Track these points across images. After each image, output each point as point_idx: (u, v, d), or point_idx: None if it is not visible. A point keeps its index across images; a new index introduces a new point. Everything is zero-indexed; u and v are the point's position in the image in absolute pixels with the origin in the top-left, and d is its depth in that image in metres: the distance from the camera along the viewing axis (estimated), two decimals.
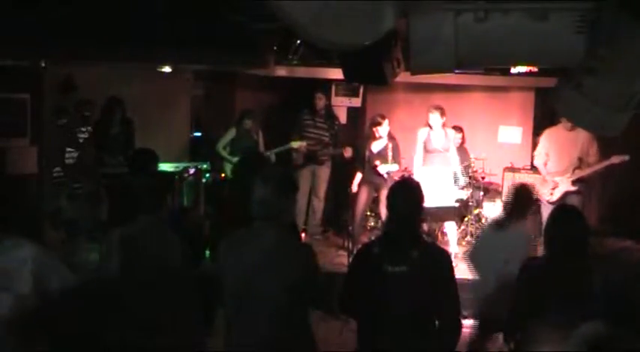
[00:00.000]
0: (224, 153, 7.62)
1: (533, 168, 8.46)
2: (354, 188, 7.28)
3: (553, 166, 6.92)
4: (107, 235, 3.51)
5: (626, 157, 6.60)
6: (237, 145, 7.62)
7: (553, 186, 6.85)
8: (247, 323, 2.92)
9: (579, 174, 6.78)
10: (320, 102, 7.89)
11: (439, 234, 7.72)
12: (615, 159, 6.64)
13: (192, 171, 6.87)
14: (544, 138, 7.05)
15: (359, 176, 7.32)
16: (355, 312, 3.36)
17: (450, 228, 7.23)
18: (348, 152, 7.36)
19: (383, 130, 7.16)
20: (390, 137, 7.25)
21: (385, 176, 7.16)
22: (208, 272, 3.53)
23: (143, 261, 3.28)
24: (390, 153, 7.09)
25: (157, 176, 4.16)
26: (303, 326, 3.03)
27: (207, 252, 4.26)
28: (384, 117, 7.26)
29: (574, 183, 6.79)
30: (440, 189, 6.82)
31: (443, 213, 6.77)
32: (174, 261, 3.29)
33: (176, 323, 3.28)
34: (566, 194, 6.80)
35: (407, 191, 3.28)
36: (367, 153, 7.20)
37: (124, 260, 3.27)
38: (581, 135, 6.67)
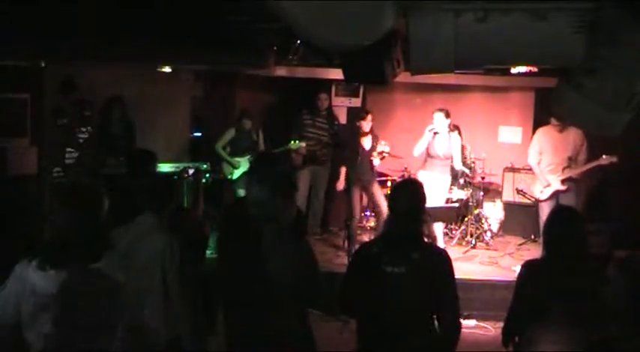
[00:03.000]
0: (223, 153, 7.62)
1: None
2: (340, 186, 7.33)
3: (545, 165, 6.99)
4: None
5: (614, 158, 6.68)
6: (237, 145, 7.62)
7: (546, 184, 6.93)
8: (246, 322, 2.92)
9: (568, 173, 6.86)
10: (324, 102, 7.91)
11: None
12: (604, 160, 6.70)
13: (191, 171, 6.86)
14: (536, 138, 7.17)
15: (343, 170, 7.34)
16: (354, 312, 3.36)
17: (437, 229, 7.25)
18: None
19: (366, 125, 7.22)
20: (374, 134, 7.30)
21: (372, 172, 7.22)
22: (209, 273, 3.53)
23: (140, 263, 3.27)
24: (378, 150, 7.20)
25: (157, 177, 4.16)
26: (303, 326, 3.03)
27: (208, 252, 4.26)
28: (367, 113, 7.38)
29: (563, 182, 6.86)
30: (434, 193, 6.86)
31: (438, 214, 6.80)
32: (175, 262, 3.28)
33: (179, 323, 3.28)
34: (556, 193, 6.87)
35: (408, 191, 3.28)
36: (360, 150, 7.22)
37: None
38: (572, 135, 6.78)
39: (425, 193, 3.26)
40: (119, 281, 2.51)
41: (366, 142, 7.27)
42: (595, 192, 7.65)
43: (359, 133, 7.28)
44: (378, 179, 7.52)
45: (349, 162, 7.25)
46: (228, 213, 4.22)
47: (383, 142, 7.23)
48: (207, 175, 7.28)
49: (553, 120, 6.87)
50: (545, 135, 7.08)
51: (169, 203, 3.53)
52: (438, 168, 7.19)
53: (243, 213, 3.02)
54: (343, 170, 7.33)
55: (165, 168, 6.55)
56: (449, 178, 7.34)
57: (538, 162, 7.06)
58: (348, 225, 6.87)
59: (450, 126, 7.21)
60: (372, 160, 7.22)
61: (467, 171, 7.80)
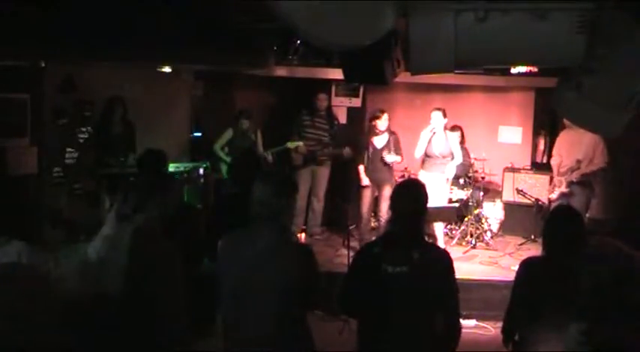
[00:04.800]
0: (221, 154, 7.62)
1: (534, 168, 8.51)
2: (364, 181, 7.32)
3: (561, 167, 7.13)
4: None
5: (603, 165, 6.84)
6: (235, 145, 7.62)
7: (558, 185, 7.00)
8: (246, 322, 2.92)
9: (573, 176, 6.89)
10: (323, 103, 7.90)
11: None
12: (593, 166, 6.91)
13: (201, 171, 6.84)
14: (557, 141, 7.29)
15: (362, 168, 7.35)
16: (355, 312, 3.36)
17: (438, 229, 7.25)
18: (347, 152, 7.36)
19: (382, 124, 7.21)
20: (390, 132, 7.29)
21: (388, 172, 7.20)
22: (208, 273, 3.53)
23: (125, 261, 3.28)
24: (392, 148, 7.17)
25: (152, 176, 4.17)
26: (302, 326, 3.03)
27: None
28: (383, 112, 7.35)
29: (569, 185, 6.89)
30: (436, 193, 6.86)
31: (439, 214, 6.80)
32: (164, 262, 3.28)
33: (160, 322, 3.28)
34: (562, 195, 6.92)
35: (410, 191, 3.28)
36: (370, 148, 7.21)
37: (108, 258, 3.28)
38: (586, 138, 6.77)
39: (427, 194, 3.26)
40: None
41: (379, 141, 7.25)
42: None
43: (372, 132, 7.27)
44: None
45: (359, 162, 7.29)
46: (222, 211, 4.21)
47: (392, 153, 7.22)
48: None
49: (566, 122, 6.91)
50: (562, 137, 7.19)
51: (162, 202, 3.51)
52: (437, 167, 7.19)
53: (238, 209, 3.02)
54: (361, 168, 7.35)
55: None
56: (445, 177, 7.33)
57: (557, 164, 7.15)
58: (349, 226, 6.87)
59: (446, 125, 7.21)
60: (384, 159, 7.21)
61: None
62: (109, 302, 3.21)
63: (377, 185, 7.30)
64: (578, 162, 6.91)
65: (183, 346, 3.28)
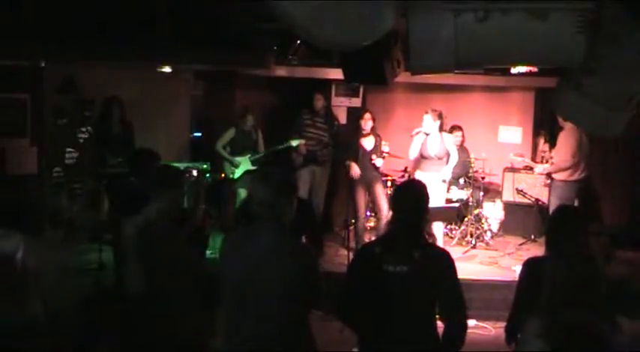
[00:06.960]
0: (224, 153, 7.61)
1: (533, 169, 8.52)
2: (354, 170, 7.21)
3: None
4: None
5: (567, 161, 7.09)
6: (237, 145, 7.62)
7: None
8: (247, 322, 2.92)
9: (548, 169, 7.41)
10: (319, 102, 7.89)
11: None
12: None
13: (195, 172, 6.83)
14: None
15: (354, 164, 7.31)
16: (353, 318, 3.30)
17: (437, 229, 7.24)
18: (355, 173, 7.25)
19: (365, 124, 7.18)
20: (376, 134, 7.27)
21: (376, 170, 7.19)
22: (209, 272, 3.55)
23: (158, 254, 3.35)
24: (379, 151, 7.15)
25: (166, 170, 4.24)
26: (303, 326, 3.02)
27: (208, 252, 4.26)
28: (366, 111, 7.37)
29: (547, 178, 7.49)
30: (433, 193, 6.84)
31: (438, 214, 6.80)
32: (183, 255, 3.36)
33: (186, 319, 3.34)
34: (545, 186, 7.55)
35: (411, 191, 3.29)
36: (360, 150, 7.20)
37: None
38: (561, 134, 6.96)
39: (427, 194, 3.27)
40: None
41: (367, 143, 7.24)
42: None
43: (360, 133, 7.25)
44: None
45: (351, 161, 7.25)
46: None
47: (383, 142, 7.23)
48: (208, 175, 7.29)
49: (560, 122, 7.05)
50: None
51: (171, 195, 3.58)
52: (434, 167, 7.15)
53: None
54: (347, 165, 7.31)
55: None
56: (441, 177, 7.31)
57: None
58: (348, 226, 6.85)
59: (440, 126, 7.13)
60: (373, 161, 7.17)
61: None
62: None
63: (367, 184, 7.26)
64: (551, 157, 7.21)
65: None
